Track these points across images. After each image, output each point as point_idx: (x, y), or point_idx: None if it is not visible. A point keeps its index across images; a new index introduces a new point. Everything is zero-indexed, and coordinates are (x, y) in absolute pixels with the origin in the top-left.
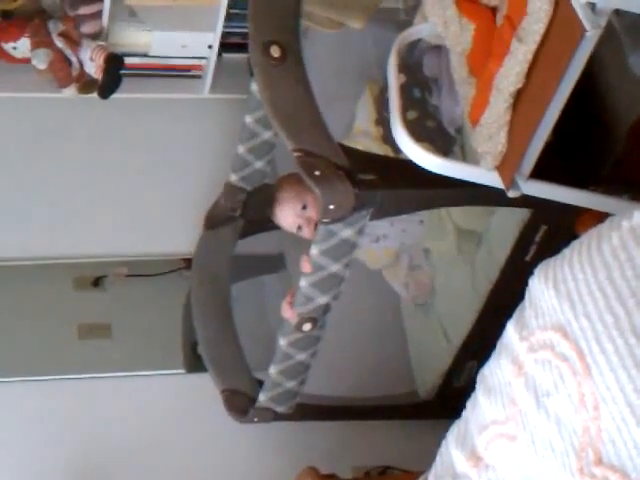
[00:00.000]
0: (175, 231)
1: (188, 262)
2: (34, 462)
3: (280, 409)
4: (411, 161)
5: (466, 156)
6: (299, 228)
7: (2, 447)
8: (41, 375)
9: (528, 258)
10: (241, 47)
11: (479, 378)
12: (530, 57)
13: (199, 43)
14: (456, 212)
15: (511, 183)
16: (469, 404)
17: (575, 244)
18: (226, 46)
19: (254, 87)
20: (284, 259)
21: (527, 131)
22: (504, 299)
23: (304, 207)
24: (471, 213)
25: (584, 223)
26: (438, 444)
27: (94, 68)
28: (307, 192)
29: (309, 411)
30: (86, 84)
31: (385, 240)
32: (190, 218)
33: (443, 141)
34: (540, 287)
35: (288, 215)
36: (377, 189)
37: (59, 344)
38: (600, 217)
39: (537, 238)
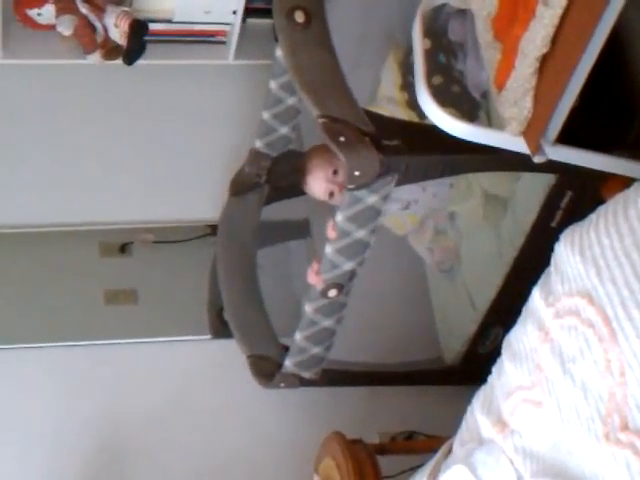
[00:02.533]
0: (200, 197)
1: (214, 228)
2: (62, 426)
3: (306, 375)
4: (436, 126)
5: (491, 121)
6: (331, 195)
7: (31, 410)
8: (68, 340)
9: (554, 224)
10: (265, 12)
11: (505, 344)
12: (556, 21)
13: (223, 8)
14: (483, 176)
15: (537, 148)
16: (495, 370)
17: (601, 209)
18: (250, 11)
19: (279, 53)
20: (309, 225)
21: (553, 96)
22: (529, 265)
23: (335, 172)
24: (497, 178)
25: (610, 188)
26: (464, 410)
27: (118, 34)
28: (337, 158)
29: (335, 377)
30: (111, 50)
31: (416, 205)
32: (215, 184)
33: (468, 106)
34: (566, 252)
35: (320, 182)
36: (402, 155)
37: (86, 310)
38: (626, 182)
39: (563, 204)
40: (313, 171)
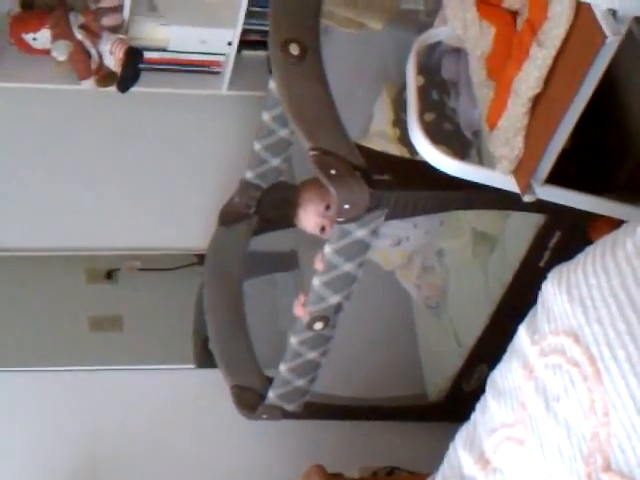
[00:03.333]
0: (189, 226)
1: (201, 258)
2: (43, 453)
3: (289, 407)
4: (427, 163)
5: (482, 159)
6: (322, 229)
7: (12, 437)
8: (52, 366)
9: (542, 263)
10: (260, 44)
11: (489, 381)
12: (549, 62)
13: (218, 39)
14: (472, 214)
15: (527, 187)
16: (478, 407)
17: (589, 250)
18: (245, 43)
19: (272, 85)
20: (297, 257)
21: (544, 136)
22: (516, 303)
23: (327, 207)
24: (486, 216)
25: (598, 230)
26: (446, 446)
27: (113, 61)
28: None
29: (318, 410)
30: (105, 77)
31: (407, 242)
32: (204, 214)
33: (460, 144)
34: (553, 291)
35: (312, 216)
36: (392, 190)
37: (71, 336)
38: (614, 224)
39: (551, 243)
40: (305, 205)
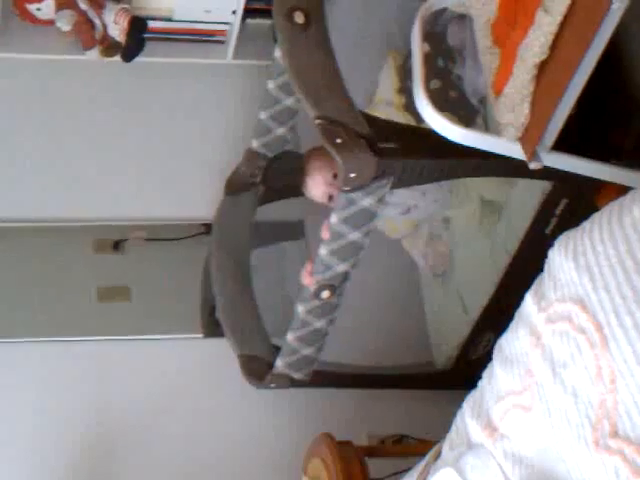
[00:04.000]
0: (195, 196)
1: (208, 227)
2: (50, 423)
3: (297, 375)
4: (433, 130)
5: (488, 127)
6: (330, 198)
7: (21, 407)
8: (60, 336)
9: (548, 231)
10: (265, 13)
11: (496, 348)
12: (555, 28)
13: (223, 8)
14: (479, 182)
15: (533, 155)
16: (485, 374)
17: (596, 216)
18: (250, 11)
19: (277, 53)
20: (304, 227)
21: (550, 103)
22: (523, 271)
23: (335, 176)
24: (493, 183)
25: (605, 196)
26: (454, 414)
27: (117, 31)
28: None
29: (326, 378)
30: (109, 47)
31: (416, 210)
32: (211, 183)
33: (465, 111)
34: (559, 259)
35: (320, 185)
36: (398, 158)
37: (78, 306)
38: (621, 191)
39: (557, 211)
40: (313, 174)
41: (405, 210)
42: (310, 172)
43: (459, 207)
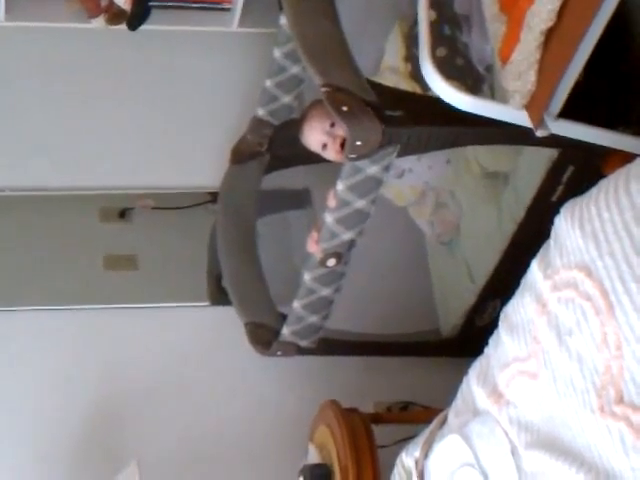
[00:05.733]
0: (201, 165)
1: (214, 196)
2: (58, 391)
3: (303, 343)
4: (439, 98)
5: (495, 95)
6: (324, 147)
7: (29, 376)
8: (67, 304)
9: (554, 198)
10: None
11: (502, 316)
12: None
13: None
14: (482, 154)
15: (539, 122)
16: (491, 341)
17: (602, 184)
18: None
19: (283, 21)
20: (310, 195)
21: (557, 70)
22: (529, 239)
23: (332, 125)
24: (498, 153)
25: (612, 164)
26: (459, 381)
27: None
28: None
29: (332, 346)
30: (115, 15)
31: (410, 174)
32: (217, 152)
33: (472, 79)
34: (566, 226)
35: (316, 132)
36: (404, 126)
37: (85, 274)
38: (628, 158)
39: (564, 178)
40: (310, 120)
41: (399, 173)
42: (308, 119)
43: (461, 183)
